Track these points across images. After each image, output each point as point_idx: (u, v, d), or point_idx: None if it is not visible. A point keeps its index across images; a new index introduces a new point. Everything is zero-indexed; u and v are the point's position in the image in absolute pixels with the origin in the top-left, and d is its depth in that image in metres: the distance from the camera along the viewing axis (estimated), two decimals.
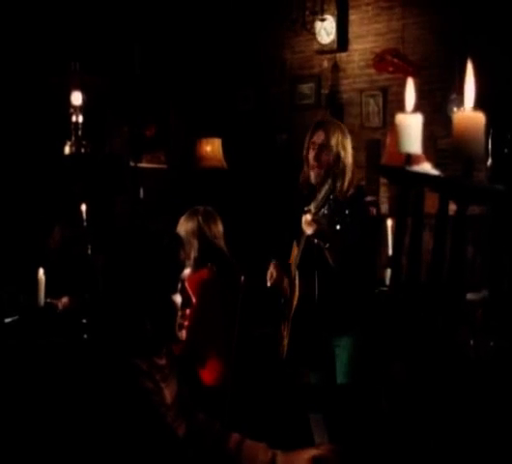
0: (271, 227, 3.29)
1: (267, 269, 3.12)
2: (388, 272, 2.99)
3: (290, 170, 3.29)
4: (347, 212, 2.79)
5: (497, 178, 3.24)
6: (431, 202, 0.99)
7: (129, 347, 1.50)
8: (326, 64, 5.53)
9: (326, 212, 2.69)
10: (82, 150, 3.02)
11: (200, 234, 3.00)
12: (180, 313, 1.56)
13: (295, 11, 5.54)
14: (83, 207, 3.45)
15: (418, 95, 1.01)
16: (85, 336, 3.03)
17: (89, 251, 3.36)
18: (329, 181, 2.65)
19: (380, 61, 5.06)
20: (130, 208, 5.08)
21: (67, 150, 3.04)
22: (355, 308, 2.86)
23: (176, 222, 3.08)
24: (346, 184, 2.81)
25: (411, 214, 1.02)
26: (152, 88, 5.57)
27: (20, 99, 4.75)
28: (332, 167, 2.77)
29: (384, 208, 4.99)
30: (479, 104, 0.88)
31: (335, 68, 5.46)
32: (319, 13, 5.38)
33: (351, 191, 2.84)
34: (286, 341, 2.98)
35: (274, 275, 3.07)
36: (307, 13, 5.44)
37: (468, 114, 0.86)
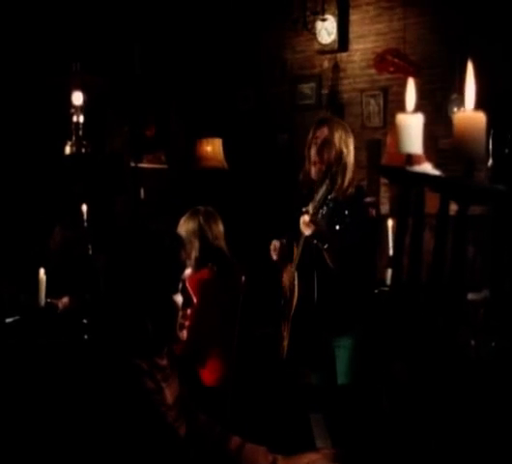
0: (272, 227, 3.29)
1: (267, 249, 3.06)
2: (389, 272, 2.99)
3: (291, 170, 3.29)
4: (346, 212, 2.79)
5: (498, 178, 3.24)
6: (432, 202, 0.98)
7: (130, 347, 1.50)
8: (326, 64, 5.53)
9: (324, 212, 2.69)
10: (83, 150, 3.02)
11: (201, 234, 3.00)
12: (181, 313, 1.56)
13: (296, 11, 5.54)
14: (84, 207, 3.45)
15: (419, 95, 1.01)
16: (86, 337, 3.03)
17: (89, 251, 3.36)
18: (327, 181, 2.65)
19: (380, 61, 5.06)
20: (131, 208, 5.08)
21: (67, 150, 3.04)
22: (355, 309, 2.86)
23: (176, 223, 3.08)
24: (346, 182, 2.80)
25: (411, 214, 1.02)
26: (152, 88, 5.57)
27: (21, 99, 4.75)
28: (333, 164, 2.76)
29: (385, 208, 4.99)
30: (480, 104, 0.88)
31: (336, 68, 5.47)
32: (320, 12, 5.38)
33: (350, 191, 2.83)
34: (286, 342, 2.97)
35: (278, 246, 3.02)
36: (308, 12, 5.44)
37: (468, 114, 0.86)
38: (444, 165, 1.52)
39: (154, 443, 1.39)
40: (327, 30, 5.37)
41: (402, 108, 1.00)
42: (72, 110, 3.03)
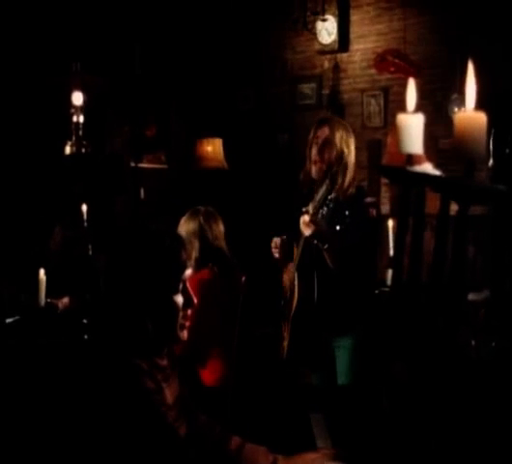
0: (272, 227, 3.29)
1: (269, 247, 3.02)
2: (390, 272, 2.99)
3: (291, 170, 3.29)
4: (347, 212, 2.79)
5: (499, 178, 3.24)
6: (432, 202, 0.98)
7: (131, 347, 1.50)
8: (327, 64, 5.53)
9: (324, 212, 2.69)
10: (83, 150, 3.02)
11: (201, 234, 3.00)
12: (181, 314, 1.56)
13: (296, 11, 5.55)
14: (84, 207, 3.45)
15: (419, 95, 1.01)
16: (86, 337, 3.03)
17: (89, 251, 3.36)
18: (327, 181, 2.64)
19: (381, 61, 5.06)
20: (131, 208, 5.08)
21: (67, 150, 3.03)
22: (355, 309, 2.86)
23: (177, 223, 3.08)
24: (346, 182, 2.80)
25: (412, 214, 1.02)
26: (152, 88, 5.57)
27: (21, 99, 4.75)
28: (334, 164, 2.75)
29: (386, 208, 4.98)
30: (480, 104, 0.88)
31: (336, 68, 5.47)
32: (320, 13, 5.38)
33: (351, 191, 2.83)
34: (286, 342, 2.97)
35: (279, 243, 2.98)
36: (308, 13, 5.44)
37: (469, 114, 0.86)
38: (445, 165, 1.52)
39: (154, 443, 1.39)
40: (327, 30, 5.37)
41: (402, 108, 1.00)
42: (72, 110, 3.03)
